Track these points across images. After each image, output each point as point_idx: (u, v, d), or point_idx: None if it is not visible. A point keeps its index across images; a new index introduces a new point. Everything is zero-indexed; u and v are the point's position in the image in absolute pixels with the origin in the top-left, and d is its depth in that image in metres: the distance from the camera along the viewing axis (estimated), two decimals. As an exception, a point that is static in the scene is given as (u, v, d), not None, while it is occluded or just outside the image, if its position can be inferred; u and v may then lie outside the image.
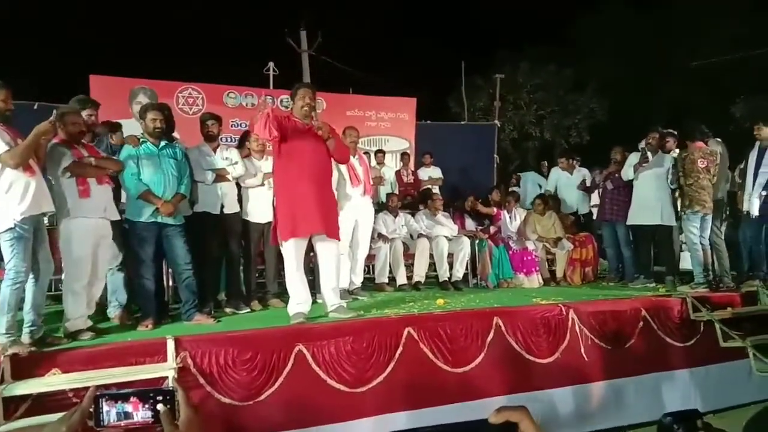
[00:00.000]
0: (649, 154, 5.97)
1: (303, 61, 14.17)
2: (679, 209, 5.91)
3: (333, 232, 4.34)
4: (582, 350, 4.50)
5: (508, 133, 15.53)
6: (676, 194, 5.99)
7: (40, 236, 3.66)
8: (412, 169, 8.94)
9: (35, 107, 6.80)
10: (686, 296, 5.08)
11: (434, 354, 4.03)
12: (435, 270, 6.30)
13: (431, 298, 5.32)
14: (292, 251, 4.22)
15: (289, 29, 13.98)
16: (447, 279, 6.16)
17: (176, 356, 3.30)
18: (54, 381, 3.03)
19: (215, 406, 3.41)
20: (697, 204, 5.55)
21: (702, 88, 14.44)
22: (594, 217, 7.26)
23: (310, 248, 4.56)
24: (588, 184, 7.32)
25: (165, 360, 3.29)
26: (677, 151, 6.02)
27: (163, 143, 4.36)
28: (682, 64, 14.93)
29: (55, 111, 3.75)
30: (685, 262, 6.41)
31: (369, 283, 6.17)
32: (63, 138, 3.87)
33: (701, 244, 5.63)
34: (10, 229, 3.45)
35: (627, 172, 6.14)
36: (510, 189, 8.84)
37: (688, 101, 14.22)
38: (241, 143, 5.37)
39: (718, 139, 6.01)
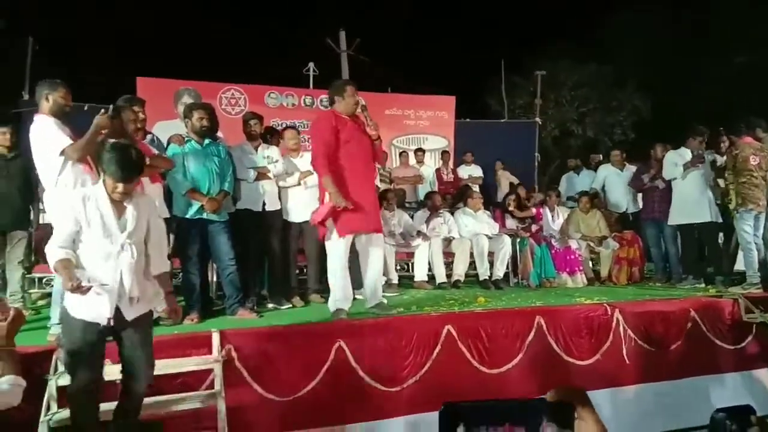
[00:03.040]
0: (705, 154, 5.80)
1: (342, 61, 14.27)
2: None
3: (381, 229, 4.43)
4: (624, 352, 4.41)
5: (549, 131, 15.28)
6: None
7: None
8: (452, 167, 8.90)
9: (85, 108, 7.04)
10: (738, 297, 4.91)
11: (471, 353, 4.00)
12: (475, 269, 6.24)
13: (471, 296, 5.28)
14: (341, 248, 4.21)
15: (329, 29, 14.11)
16: (487, 278, 6.10)
17: (221, 349, 3.37)
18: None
19: (257, 400, 3.46)
20: (751, 202, 5.36)
21: (749, 83, 13.90)
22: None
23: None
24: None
25: (210, 353, 3.36)
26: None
27: (207, 141, 4.47)
28: (729, 59, 14.42)
29: (111, 105, 3.85)
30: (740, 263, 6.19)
31: (408, 281, 6.16)
32: (117, 134, 3.96)
33: (755, 243, 5.43)
34: None
35: (672, 171, 5.94)
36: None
37: (734, 97, 13.71)
38: (272, 140, 5.35)
39: None
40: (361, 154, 4.23)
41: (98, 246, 2.64)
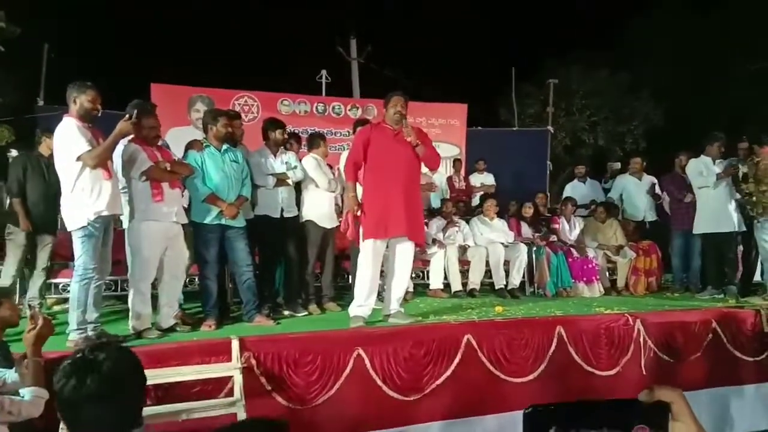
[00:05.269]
0: (739, 164, 5.75)
1: (353, 68, 14.28)
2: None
3: (417, 236, 4.41)
4: (642, 363, 4.35)
5: (560, 139, 15.18)
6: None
7: (106, 237, 3.77)
8: (464, 175, 8.87)
9: (99, 114, 7.05)
10: (760, 308, 4.84)
11: (492, 363, 3.95)
12: (490, 277, 6.18)
13: (488, 305, 5.22)
14: (369, 252, 4.22)
15: (340, 37, 14.13)
16: (503, 286, 6.04)
17: (240, 356, 3.33)
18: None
19: (276, 409, 3.41)
20: (772, 211, 5.30)
21: (763, 91, 13.80)
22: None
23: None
24: (657, 191, 7.02)
25: (229, 360, 3.32)
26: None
27: (224, 147, 4.45)
28: (743, 67, 14.32)
29: (135, 111, 3.83)
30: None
31: (423, 289, 6.12)
32: (139, 140, 3.96)
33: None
34: (83, 227, 3.56)
35: (701, 180, 5.85)
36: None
37: (750, 105, 13.61)
38: (312, 145, 5.35)
39: None
40: (400, 161, 4.25)
41: None
